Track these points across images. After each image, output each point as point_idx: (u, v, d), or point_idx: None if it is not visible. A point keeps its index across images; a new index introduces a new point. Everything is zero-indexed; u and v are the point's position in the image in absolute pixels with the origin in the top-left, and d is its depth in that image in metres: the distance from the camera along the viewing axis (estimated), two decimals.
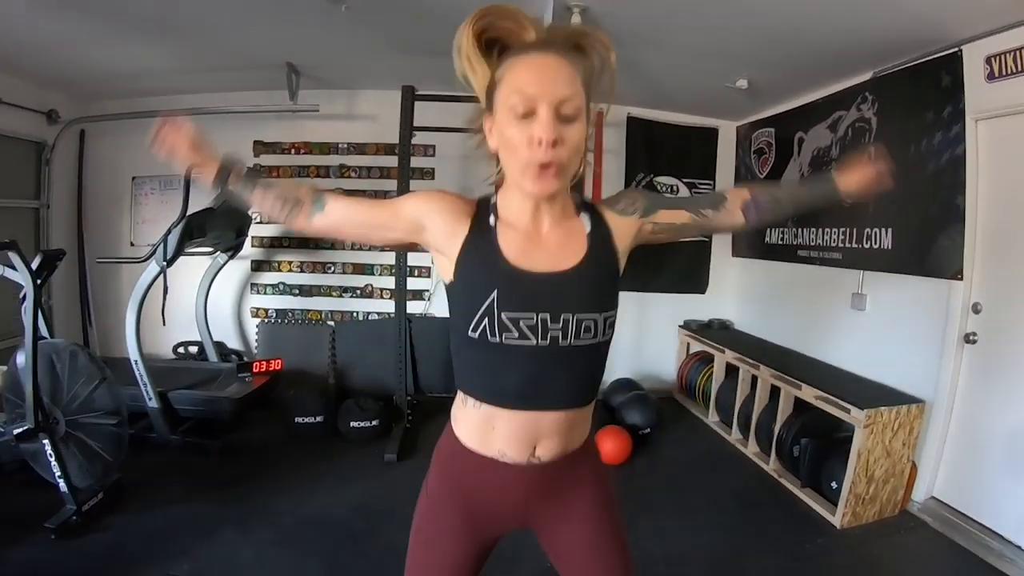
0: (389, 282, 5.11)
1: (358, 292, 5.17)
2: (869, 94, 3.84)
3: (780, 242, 4.86)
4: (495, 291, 1.18)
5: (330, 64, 4.34)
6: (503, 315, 1.17)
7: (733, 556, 3.09)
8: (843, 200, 1.50)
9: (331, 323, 5.13)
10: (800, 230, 4.59)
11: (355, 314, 5.20)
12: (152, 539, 2.95)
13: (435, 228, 1.24)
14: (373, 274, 5.17)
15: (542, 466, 1.30)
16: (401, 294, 4.41)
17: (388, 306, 5.14)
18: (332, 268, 5.11)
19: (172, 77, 4.48)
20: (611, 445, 4.19)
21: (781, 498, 3.76)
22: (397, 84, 4.36)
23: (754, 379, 4.39)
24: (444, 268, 1.26)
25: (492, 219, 1.25)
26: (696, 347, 5.44)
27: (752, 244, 5.29)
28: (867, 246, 3.90)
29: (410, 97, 4.21)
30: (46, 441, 2.87)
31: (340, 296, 5.15)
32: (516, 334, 1.18)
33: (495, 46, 1.19)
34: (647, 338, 5.58)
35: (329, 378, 4.91)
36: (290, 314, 5.14)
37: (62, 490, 2.90)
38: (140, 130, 4.75)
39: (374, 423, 4.28)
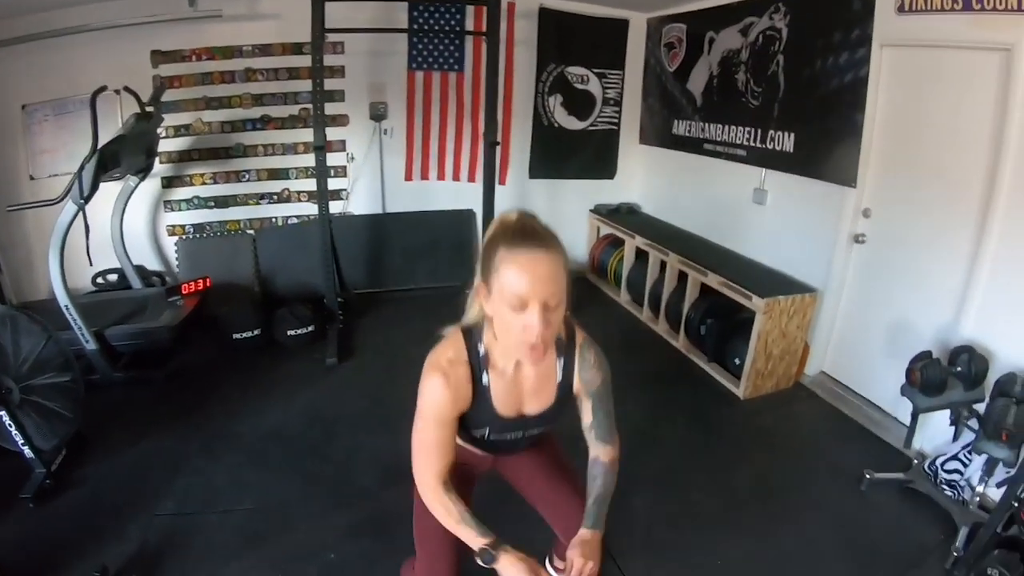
0: (306, 185, 4.88)
1: (275, 197, 4.90)
2: (782, 5, 3.91)
3: (687, 134, 5.05)
4: (488, 427, 1.58)
5: None
6: (491, 436, 1.61)
7: (652, 427, 3.53)
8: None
9: (251, 232, 4.88)
10: (707, 125, 4.78)
11: (274, 220, 4.96)
12: (128, 483, 2.95)
13: (458, 407, 1.51)
14: (289, 178, 4.89)
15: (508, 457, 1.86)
16: (323, 196, 4.22)
17: (307, 209, 4.96)
18: (247, 176, 4.78)
19: None
20: None
21: (690, 373, 4.25)
22: None
23: (663, 264, 4.71)
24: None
25: (485, 378, 1.50)
26: (606, 230, 5.70)
27: (659, 133, 5.45)
28: (770, 147, 4.17)
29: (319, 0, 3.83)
30: (2, 412, 2.72)
31: (257, 204, 4.87)
32: (498, 441, 1.64)
33: None
34: (559, 222, 5.49)
35: (255, 287, 4.79)
36: (208, 227, 4.82)
37: (27, 456, 2.80)
38: (25, 54, 4.14)
39: (310, 328, 4.32)
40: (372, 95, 4.80)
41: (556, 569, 2.32)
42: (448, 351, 1.48)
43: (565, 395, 1.62)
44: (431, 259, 5.34)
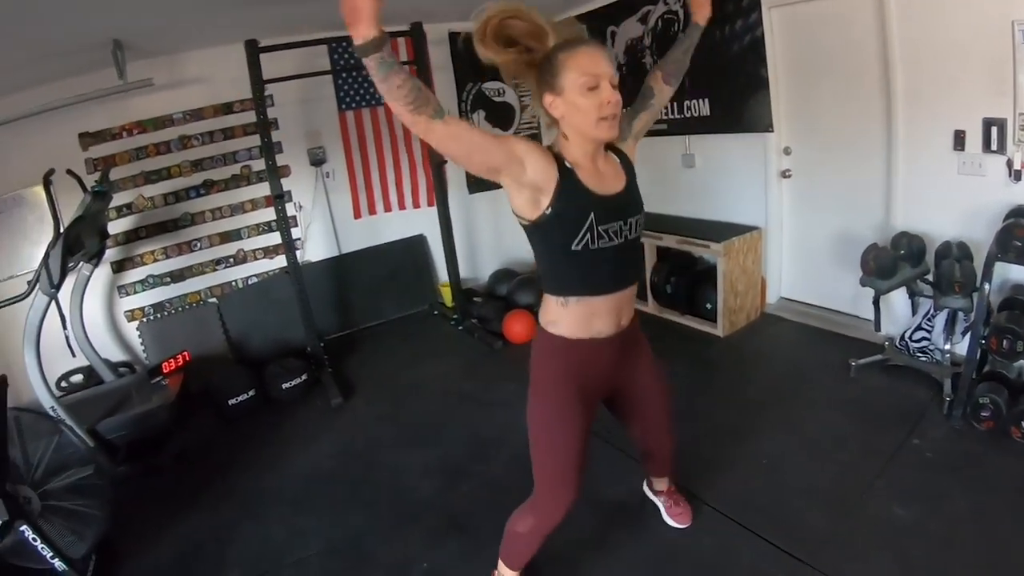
0: (259, 242, 4.52)
1: (231, 261, 4.46)
2: None
3: None
4: (592, 213, 1.50)
5: (159, 31, 3.37)
6: (599, 228, 1.51)
7: None
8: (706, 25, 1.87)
9: (213, 300, 4.42)
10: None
11: (234, 283, 4.52)
12: (180, 570, 2.54)
13: (534, 167, 1.45)
14: (242, 238, 4.47)
15: (623, 331, 1.69)
16: (289, 246, 4.02)
17: (264, 266, 4.59)
18: (198, 245, 4.31)
19: None
20: (520, 327, 4.25)
21: (670, 328, 4.26)
22: (228, 39, 3.71)
23: None
24: (535, 203, 1.48)
25: (568, 163, 1.50)
26: None
27: None
28: (689, 115, 4.31)
29: (255, 52, 3.57)
30: (24, 527, 2.25)
31: (214, 270, 4.40)
32: (607, 239, 1.53)
33: (512, 43, 1.45)
34: (505, 229, 5.60)
35: (228, 354, 4.34)
36: (168, 305, 4.29)
37: (59, 570, 2.32)
38: None
39: (303, 378, 3.96)
40: (309, 142, 4.53)
41: (655, 492, 2.39)
42: None
43: (630, 172, 1.66)
44: (394, 290, 5.09)
